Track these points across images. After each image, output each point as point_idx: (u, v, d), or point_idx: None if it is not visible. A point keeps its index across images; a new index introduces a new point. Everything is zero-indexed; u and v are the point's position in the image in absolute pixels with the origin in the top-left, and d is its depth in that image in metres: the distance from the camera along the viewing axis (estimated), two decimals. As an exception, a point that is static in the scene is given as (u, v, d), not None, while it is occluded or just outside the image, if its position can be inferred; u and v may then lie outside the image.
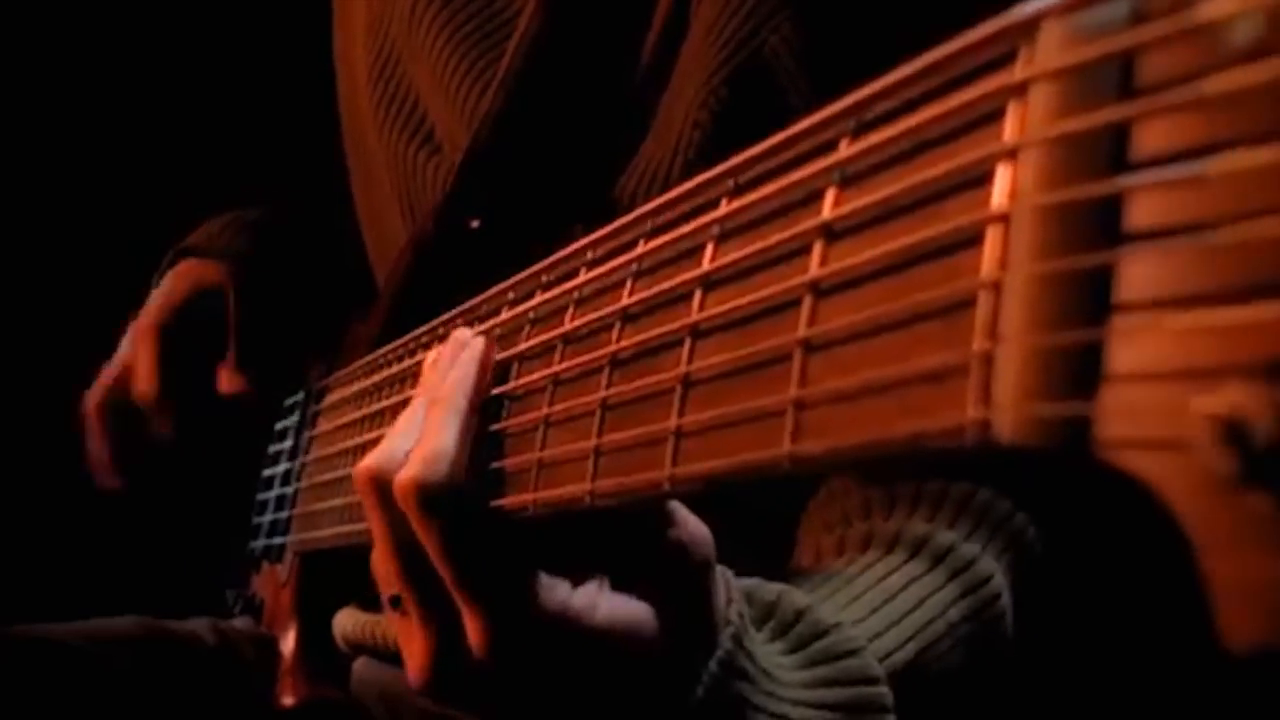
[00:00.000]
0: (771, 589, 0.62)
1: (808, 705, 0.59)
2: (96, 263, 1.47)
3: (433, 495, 0.53)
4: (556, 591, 0.53)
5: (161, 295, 1.12)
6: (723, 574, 0.57)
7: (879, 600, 0.66)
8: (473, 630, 0.54)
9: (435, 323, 0.71)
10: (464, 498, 0.54)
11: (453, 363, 0.58)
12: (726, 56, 0.76)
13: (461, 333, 0.60)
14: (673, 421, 0.42)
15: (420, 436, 0.55)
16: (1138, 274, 0.26)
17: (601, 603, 0.53)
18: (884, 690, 0.61)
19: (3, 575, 1.33)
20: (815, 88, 0.74)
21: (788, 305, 0.37)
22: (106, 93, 1.52)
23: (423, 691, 0.57)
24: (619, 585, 0.54)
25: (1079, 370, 0.27)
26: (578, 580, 0.54)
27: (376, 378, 0.81)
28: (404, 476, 0.53)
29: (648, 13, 0.81)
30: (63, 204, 1.53)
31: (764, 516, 0.69)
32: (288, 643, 0.99)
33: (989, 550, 0.70)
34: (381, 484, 0.55)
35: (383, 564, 0.58)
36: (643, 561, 0.54)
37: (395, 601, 0.58)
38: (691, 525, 0.54)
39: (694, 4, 0.79)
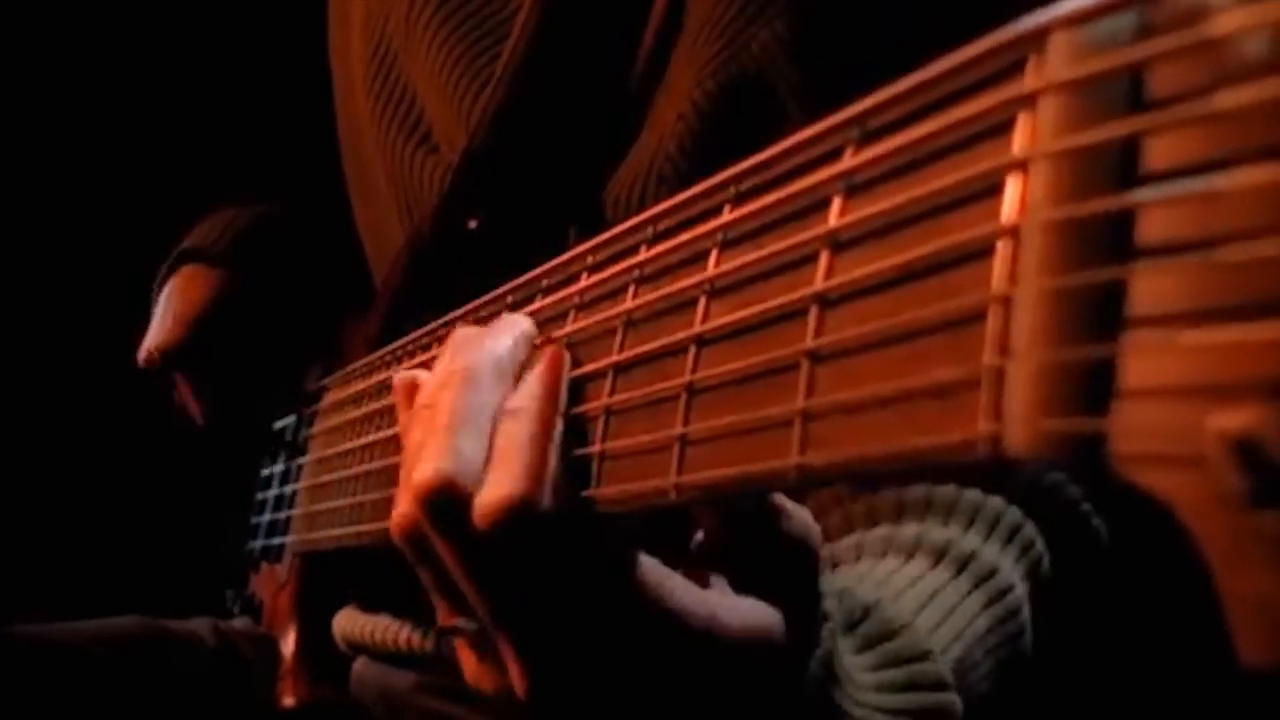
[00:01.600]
0: (837, 580, 0.60)
1: (878, 710, 0.56)
2: (94, 263, 1.47)
3: (535, 519, 0.47)
4: (671, 590, 0.48)
5: (176, 307, 1.12)
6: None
7: (912, 605, 0.62)
8: (577, 648, 0.49)
9: (434, 324, 0.70)
10: (567, 522, 0.48)
11: (514, 362, 0.51)
12: (714, 53, 0.75)
13: (524, 322, 0.53)
14: (678, 429, 0.42)
15: (502, 450, 0.48)
16: (1150, 289, 0.26)
17: (731, 604, 0.50)
18: (954, 698, 0.58)
19: (3, 575, 1.33)
20: (808, 83, 0.73)
21: (794, 314, 0.37)
22: (103, 92, 1.51)
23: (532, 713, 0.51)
24: (741, 587, 0.51)
25: (1091, 385, 0.27)
26: (700, 580, 0.50)
27: (375, 379, 0.81)
28: (495, 497, 0.47)
29: (644, 12, 0.81)
30: (59, 204, 1.53)
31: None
32: (288, 643, 0.99)
33: (1006, 557, 0.67)
34: (453, 503, 0.48)
35: (445, 593, 0.52)
36: (763, 559, 0.51)
37: (457, 630, 0.53)
38: (802, 516, 0.51)
39: (689, 3, 0.78)
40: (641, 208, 0.77)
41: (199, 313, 1.10)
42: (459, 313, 0.67)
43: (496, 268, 0.63)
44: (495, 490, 0.47)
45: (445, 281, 0.80)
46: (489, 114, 0.83)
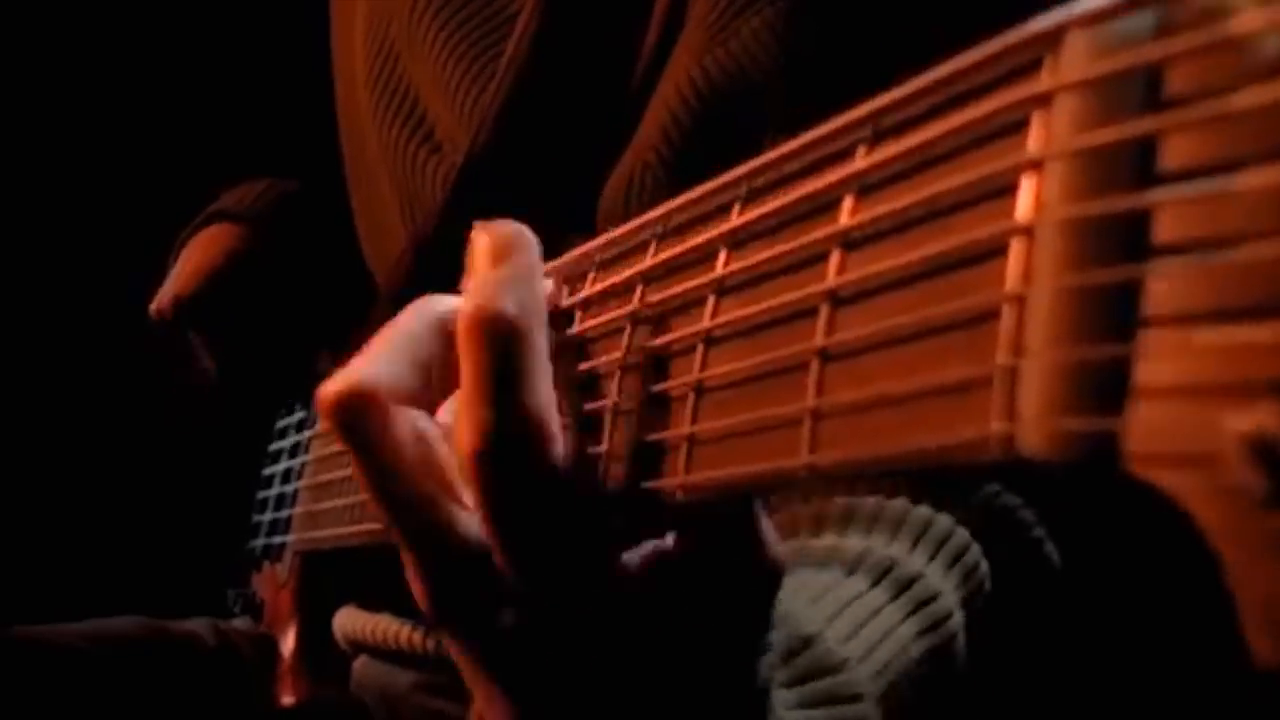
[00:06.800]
0: (779, 602, 0.57)
1: None
2: (94, 269, 1.47)
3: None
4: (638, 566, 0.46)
5: (195, 260, 1.11)
6: None
7: (846, 630, 0.60)
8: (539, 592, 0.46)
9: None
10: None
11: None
12: (704, 44, 0.75)
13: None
14: (686, 428, 0.42)
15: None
16: (1165, 289, 0.26)
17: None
18: None
19: (3, 575, 1.33)
20: (793, 72, 0.73)
21: (804, 314, 0.37)
22: (104, 93, 1.51)
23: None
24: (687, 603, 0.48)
25: (1106, 385, 0.27)
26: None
27: (378, 378, 0.81)
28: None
29: (646, 12, 0.81)
30: (61, 204, 1.53)
31: None
32: (288, 642, 0.99)
33: (948, 581, 0.65)
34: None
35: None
36: (728, 581, 0.48)
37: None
38: (777, 546, 0.49)
39: (690, 2, 0.78)
40: (629, 202, 0.77)
41: (218, 266, 1.10)
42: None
43: None
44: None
45: (449, 282, 0.80)
46: (491, 114, 0.83)
